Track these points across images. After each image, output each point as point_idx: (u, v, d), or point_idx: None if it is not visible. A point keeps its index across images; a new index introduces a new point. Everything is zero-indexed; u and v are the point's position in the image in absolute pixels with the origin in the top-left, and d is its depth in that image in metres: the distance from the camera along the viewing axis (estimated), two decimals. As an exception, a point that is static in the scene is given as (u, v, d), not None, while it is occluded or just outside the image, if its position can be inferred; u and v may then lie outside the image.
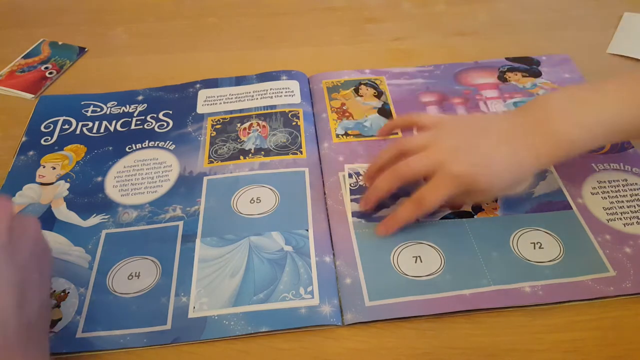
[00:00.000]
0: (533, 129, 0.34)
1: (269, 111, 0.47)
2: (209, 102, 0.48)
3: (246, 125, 0.45)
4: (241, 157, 0.42)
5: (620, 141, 0.39)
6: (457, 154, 0.34)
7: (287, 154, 0.43)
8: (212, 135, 0.45)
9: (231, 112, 0.47)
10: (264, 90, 0.49)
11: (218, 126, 0.45)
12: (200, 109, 0.47)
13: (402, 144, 0.37)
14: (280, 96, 0.48)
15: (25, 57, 0.55)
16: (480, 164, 0.34)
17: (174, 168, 0.42)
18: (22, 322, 0.26)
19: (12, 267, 0.27)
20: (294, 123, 0.45)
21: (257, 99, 0.48)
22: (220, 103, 0.48)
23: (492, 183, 0.34)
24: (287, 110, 0.47)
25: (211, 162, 0.42)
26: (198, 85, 0.50)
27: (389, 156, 0.37)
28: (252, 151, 0.43)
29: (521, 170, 0.35)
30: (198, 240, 0.36)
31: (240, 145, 0.44)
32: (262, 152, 0.43)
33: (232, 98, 0.48)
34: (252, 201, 0.39)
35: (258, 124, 0.45)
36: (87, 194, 0.40)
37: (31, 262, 0.28)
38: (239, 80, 0.50)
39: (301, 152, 0.43)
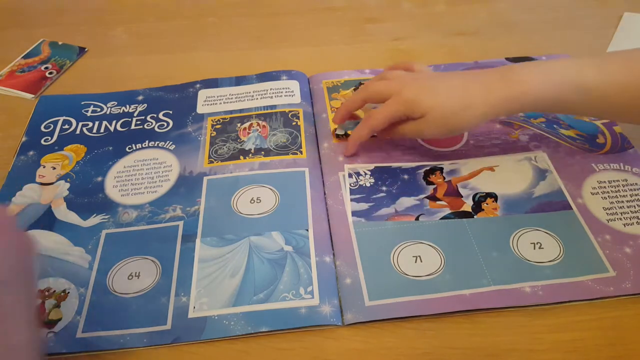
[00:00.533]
0: (494, 73, 0.37)
1: (269, 111, 0.47)
2: (209, 102, 0.48)
3: (246, 125, 0.45)
4: (241, 157, 0.42)
5: (572, 108, 0.38)
6: (412, 82, 0.38)
7: (287, 154, 0.43)
8: (212, 135, 0.45)
9: (231, 112, 0.47)
10: (264, 90, 0.49)
11: (218, 126, 0.45)
12: (200, 109, 0.47)
13: (384, 74, 0.42)
14: (280, 96, 0.48)
15: (25, 57, 0.55)
16: (428, 88, 0.37)
17: (174, 168, 0.42)
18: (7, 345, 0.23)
19: None
20: (294, 123, 0.45)
21: (257, 99, 0.48)
22: (220, 103, 0.48)
23: (434, 105, 0.36)
24: (287, 110, 0.47)
25: (211, 162, 0.42)
26: (198, 85, 0.50)
27: (372, 80, 0.42)
28: (252, 151, 0.43)
29: (468, 99, 0.36)
30: (198, 240, 0.36)
31: (240, 145, 0.44)
32: (262, 152, 0.43)
33: (232, 98, 0.48)
34: (252, 201, 0.39)
35: (258, 124, 0.45)
36: (87, 194, 0.40)
37: (13, 283, 0.24)
38: (239, 80, 0.50)
39: (301, 152, 0.43)
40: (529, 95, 0.36)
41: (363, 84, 0.49)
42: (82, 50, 0.56)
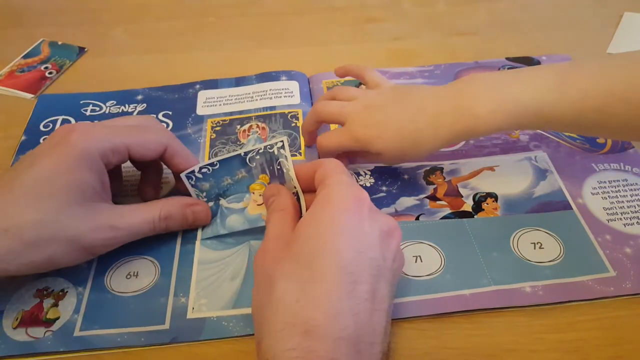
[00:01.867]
0: (445, 100, 0.35)
1: (269, 112, 0.46)
2: (208, 103, 0.48)
3: (246, 127, 0.45)
4: None
5: (533, 128, 0.37)
6: (364, 112, 0.37)
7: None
8: (212, 137, 0.44)
9: (231, 113, 0.47)
10: (263, 91, 0.49)
11: (218, 128, 0.45)
12: (200, 110, 0.47)
13: (336, 92, 0.40)
14: (280, 97, 0.48)
15: (25, 57, 0.55)
16: (377, 126, 0.36)
17: None
18: (383, 349, 0.26)
19: (388, 292, 0.27)
20: (293, 124, 0.45)
21: (257, 100, 0.48)
22: (220, 104, 0.48)
23: (386, 147, 0.36)
24: (286, 111, 0.46)
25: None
26: (198, 86, 0.50)
27: (322, 99, 0.41)
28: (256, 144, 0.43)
29: (420, 138, 0.35)
30: (198, 243, 0.36)
31: (240, 148, 0.43)
32: None
33: (231, 99, 0.48)
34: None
35: (257, 126, 0.45)
36: (86, 194, 0.40)
37: (394, 292, 0.28)
38: (239, 81, 0.50)
39: (300, 154, 0.43)
40: (479, 126, 0.34)
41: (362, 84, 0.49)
42: (81, 50, 0.56)
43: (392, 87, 0.39)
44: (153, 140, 0.34)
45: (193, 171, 0.36)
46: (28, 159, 0.31)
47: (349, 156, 0.41)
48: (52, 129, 0.46)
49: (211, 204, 0.37)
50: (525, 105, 0.33)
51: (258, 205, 0.36)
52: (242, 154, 0.36)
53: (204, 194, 0.37)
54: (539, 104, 0.33)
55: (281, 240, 0.29)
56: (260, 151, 0.36)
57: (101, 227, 0.31)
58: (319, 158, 0.40)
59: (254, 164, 0.36)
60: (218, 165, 0.36)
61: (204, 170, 0.36)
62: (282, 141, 0.35)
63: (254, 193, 0.37)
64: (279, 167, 0.35)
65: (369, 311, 0.25)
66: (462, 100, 0.35)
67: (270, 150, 0.35)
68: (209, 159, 0.42)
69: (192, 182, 0.36)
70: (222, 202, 0.37)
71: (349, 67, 0.43)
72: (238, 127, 0.45)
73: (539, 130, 0.44)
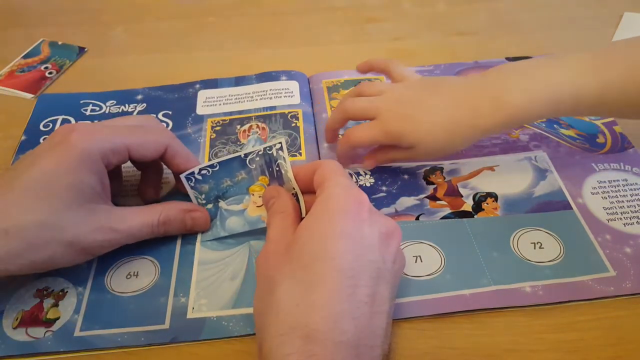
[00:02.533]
0: (480, 91, 0.35)
1: (269, 112, 0.46)
2: (208, 103, 0.48)
3: (246, 127, 0.45)
4: None
5: (569, 114, 0.37)
6: (396, 105, 0.36)
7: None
8: (212, 137, 0.44)
9: (231, 113, 0.47)
10: (263, 91, 0.49)
11: (218, 128, 0.45)
12: (200, 110, 0.47)
13: (362, 87, 0.39)
14: (280, 97, 0.48)
15: (25, 57, 0.55)
16: (412, 118, 0.35)
17: None
18: (384, 351, 0.26)
19: (388, 293, 0.27)
20: (293, 124, 0.45)
21: (257, 100, 0.48)
22: (220, 104, 0.48)
23: (420, 139, 0.35)
24: (286, 111, 0.46)
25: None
26: (198, 86, 0.50)
27: (348, 95, 0.40)
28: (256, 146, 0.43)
29: (457, 129, 0.35)
30: (198, 243, 0.36)
31: (240, 148, 0.43)
32: None
33: (231, 99, 0.48)
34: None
35: (257, 126, 0.45)
36: (86, 194, 0.40)
37: (395, 293, 0.29)
38: (239, 81, 0.50)
39: (300, 154, 0.43)
40: (518, 116, 0.34)
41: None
42: (81, 50, 0.56)
43: (420, 79, 0.39)
44: (153, 140, 0.34)
45: (193, 172, 0.36)
46: (28, 158, 0.31)
47: (379, 152, 0.39)
48: (52, 129, 0.46)
49: (210, 205, 0.37)
50: (562, 91, 0.33)
51: (258, 206, 0.36)
52: (242, 155, 0.36)
53: (203, 195, 0.37)
54: (575, 88, 0.33)
55: (282, 243, 0.29)
56: (260, 153, 0.36)
57: (100, 229, 0.31)
58: (341, 153, 0.39)
59: (254, 165, 0.36)
60: (218, 167, 0.36)
61: (203, 172, 0.36)
62: (280, 142, 0.35)
63: (253, 194, 0.37)
64: (277, 168, 0.35)
65: (369, 314, 0.25)
66: (498, 91, 0.34)
67: (269, 152, 0.35)
68: (209, 159, 0.42)
69: (192, 184, 0.36)
70: (222, 204, 0.37)
71: (372, 62, 0.42)
72: (238, 127, 0.45)
73: (538, 131, 0.44)
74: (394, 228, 0.29)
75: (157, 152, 0.34)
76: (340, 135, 0.42)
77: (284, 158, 0.35)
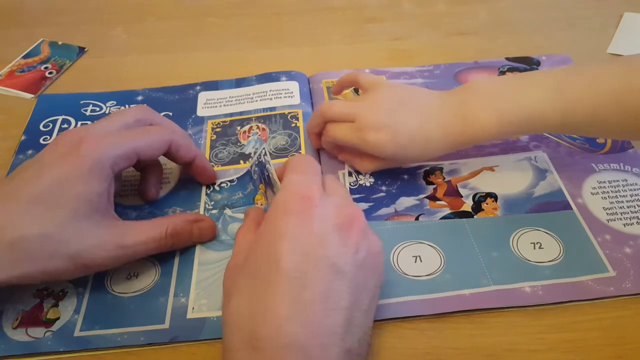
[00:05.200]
0: (450, 109, 0.36)
1: (269, 113, 0.46)
2: (209, 104, 0.48)
3: (246, 128, 0.45)
4: (241, 161, 0.42)
5: (538, 132, 0.38)
6: (373, 115, 0.36)
7: (287, 156, 0.42)
8: (213, 138, 0.44)
9: (231, 114, 0.47)
10: (263, 92, 0.49)
11: (218, 129, 0.45)
12: (201, 111, 0.47)
13: (333, 94, 0.42)
14: (280, 97, 0.48)
15: (25, 57, 0.55)
16: (389, 131, 0.35)
17: (174, 170, 0.42)
18: (345, 348, 0.25)
19: (347, 288, 0.26)
20: (293, 124, 0.45)
21: (257, 101, 0.48)
22: (220, 106, 0.48)
23: (396, 152, 0.36)
24: (286, 112, 0.46)
25: (212, 166, 0.42)
26: (198, 88, 0.50)
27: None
28: (252, 155, 0.43)
29: (430, 144, 0.36)
30: (197, 245, 0.36)
31: (240, 149, 0.43)
32: None
33: (232, 100, 0.48)
34: (251, 202, 0.39)
35: (257, 127, 0.45)
36: (86, 194, 0.40)
37: (368, 283, 0.27)
38: (239, 82, 0.50)
39: (300, 154, 0.43)
40: (484, 135, 0.35)
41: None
42: (81, 50, 0.56)
43: (389, 86, 0.39)
44: (158, 139, 0.34)
45: (212, 185, 0.38)
46: (33, 167, 0.30)
47: (356, 157, 0.40)
48: (52, 129, 0.46)
49: (215, 211, 0.38)
50: (527, 112, 0.34)
51: None
52: (249, 167, 0.37)
53: (213, 202, 0.38)
54: (538, 111, 0.34)
55: (242, 255, 0.28)
56: (256, 162, 0.37)
57: (105, 244, 0.30)
58: (326, 146, 0.41)
59: (255, 175, 0.37)
60: (236, 181, 0.38)
61: (222, 184, 0.38)
62: (264, 148, 0.36)
63: (257, 204, 0.38)
64: (267, 173, 0.35)
65: (322, 313, 0.24)
66: (467, 110, 0.35)
67: (260, 160, 0.36)
68: (210, 160, 0.42)
69: (208, 191, 0.38)
70: (227, 211, 0.38)
71: (341, 81, 0.43)
72: (238, 128, 0.45)
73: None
74: (353, 216, 0.28)
75: (163, 150, 0.35)
76: None
77: (268, 162, 0.35)
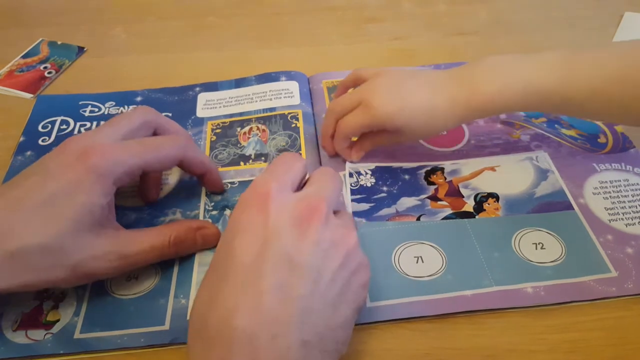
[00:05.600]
0: (456, 80, 0.37)
1: (269, 114, 0.46)
2: (208, 105, 0.48)
3: (246, 129, 0.45)
4: (241, 162, 0.42)
5: (541, 110, 0.39)
6: (379, 89, 0.37)
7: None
8: (212, 139, 0.44)
9: (231, 115, 0.47)
10: (263, 93, 0.49)
11: (218, 130, 0.45)
12: (200, 112, 0.47)
13: (339, 93, 0.42)
14: (280, 98, 0.48)
15: (24, 56, 0.55)
16: (397, 102, 0.36)
17: (174, 172, 0.41)
18: (300, 339, 0.24)
19: (304, 278, 0.25)
20: (293, 125, 0.45)
21: (257, 101, 0.48)
22: (220, 107, 0.48)
23: (407, 122, 0.37)
24: (286, 112, 0.46)
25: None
26: (198, 89, 0.50)
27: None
28: (253, 157, 0.42)
29: (436, 114, 0.37)
30: None
31: (241, 151, 0.43)
32: (262, 158, 0.42)
33: (231, 101, 0.48)
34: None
35: (258, 128, 0.45)
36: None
37: (336, 274, 0.26)
38: (239, 83, 0.50)
39: (300, 155, 0.42)
40: (491, 104, 0.36)
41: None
42: (81, 49, 0.56)
43: (395, 69, 0.40)
44: (168, 156, 0.33)
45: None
46: (38, 173, 0.30)
47: (364, 141, 0.40)
48: (51, 130, 0.45)
49: (215, 212, 0.38)
50: (533, 87, 0.35)
51: None
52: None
53: (213, 203, 0.38)
54: (541, 85, 0.35)
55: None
56: (263, 169, 0.37)
57: (107, 255, 0.30)
58: (339, 148, 0.41)
59: None
60: (237, 183, 0.39)
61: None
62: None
63: None
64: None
65: (273, 303, 0.24)
66: (473, 81, 0.36)
67: None
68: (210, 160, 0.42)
69: (207, 193, 0.39)
70: (227, 212, 0.38)
71: (344, 82, 0.43)
72: (238, 129, 0.45)
73: (540, 131, 0.44)
74: (312, 207, 0.27)
75: (171, 167, 0.35)
76: None
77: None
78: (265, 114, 0.46)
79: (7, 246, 0.27)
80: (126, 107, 0.48)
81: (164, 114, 0.47)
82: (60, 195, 0.29)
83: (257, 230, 0.26)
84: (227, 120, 0.46)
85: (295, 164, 0.30)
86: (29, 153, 0.43)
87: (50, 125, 0.46)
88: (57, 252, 0.28)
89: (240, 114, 0.47)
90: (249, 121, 0.46)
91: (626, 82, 0.34)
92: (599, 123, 0.45)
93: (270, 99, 0.48)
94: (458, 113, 0.36)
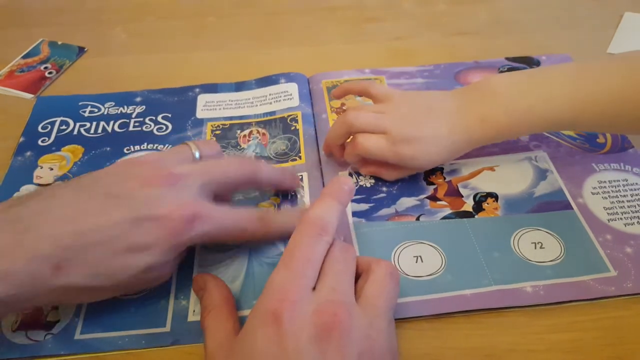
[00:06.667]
0: (469, 113, 0.37)
1: (269, 118, 0.46)
2: (208, 107, 0.48)
3: (246, 132, 0.45)
4: None
5: (552, 130, 0.40)
6: (402, 126, 0.37)
7: (287, 161, 0.42)
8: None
9: (231, 118, 0.47)
10: (263, 97, 0.49)
11: (218, 132, 0.45)
12: (200, 113, 0.47)
13: (367, 88, 0.40)
14: (279, 101, 0.48)
15: (24, 57, 0.55)
16: (419, 142, 0.37)
17: None
18: None
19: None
20: (292, 128, 0.45)
21: (257, 105, 0.48)
22: (220, 109, 0.48)
23: (429, 162, 0.38)
24: (285, 115, 0.46)
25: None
26: (197, 90, 0.50)
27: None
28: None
29: (454, 149, 0.38)
30: (198, 246, 0.36)
31: (241, 153, 0.43)
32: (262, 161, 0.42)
33: (231, 104, 0.48)
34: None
35: (258, 132, 0.45)
36: (86, 195, 0.40)
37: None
38: (239, 86, 0.50)
39: (300, 157, 0.43)
40: (505, 133, 0.37)
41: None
42: (81, 50, 0.56)
43: (405, 96, 0.39)
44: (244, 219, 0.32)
45: None
46: (125, 207, 0.28)
47: (373, 166, 0.40)
48: (50, 131, 0.45)
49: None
50: (542, 118, 0.36)
51: None
52: None
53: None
54: (552, 113, 0.36)
55: (224, 349, 0.27)
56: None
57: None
58: (349, 159, 0.40)
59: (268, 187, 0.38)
60: None
61: None
62: (301, 175, 0.40)
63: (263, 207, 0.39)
64: (293, 192, 0.37)
65: None
66: (484, 112, 0.37)
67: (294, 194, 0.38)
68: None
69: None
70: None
71: (349, 86, 0.42)
72: (238, 132, 0.45)
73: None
74: (331, 323, 0.25)
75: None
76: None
77: (302, 187, 0.39)
78: (265, 118, 0.46)
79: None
80: (126, 107, 0.48)
81: (163, 114, 0.47)
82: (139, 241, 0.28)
83: (277, 355, 0.24)
84: (227, 122, 0.46)
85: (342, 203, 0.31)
86: (28, 154, 0.43)
87: (49, 126, 0.46)
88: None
89: (240, 117, 0.47)
90: (249, 125, 0.46)
91: (628, 101, 0.35)
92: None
93: (270, 103, 0.48)
94: (472, 145, 0.38)
